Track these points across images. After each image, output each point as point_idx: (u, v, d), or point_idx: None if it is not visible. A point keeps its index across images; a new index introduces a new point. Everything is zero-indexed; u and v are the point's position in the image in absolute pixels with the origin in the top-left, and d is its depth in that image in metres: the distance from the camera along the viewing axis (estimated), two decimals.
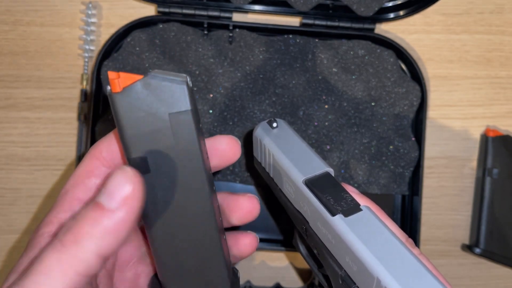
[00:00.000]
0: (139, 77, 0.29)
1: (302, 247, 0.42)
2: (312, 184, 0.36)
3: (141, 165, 0.30)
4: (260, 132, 0.41)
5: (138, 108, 0.29)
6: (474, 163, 0.63)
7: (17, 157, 0.61)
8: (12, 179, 0.61)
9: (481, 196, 0.60)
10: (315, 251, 0.37)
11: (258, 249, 0.61)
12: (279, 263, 0.62)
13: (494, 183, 0.60)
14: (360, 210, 0.33)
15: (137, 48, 0.58)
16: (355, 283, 0.32)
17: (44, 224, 0.32)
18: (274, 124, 0.41)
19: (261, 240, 0.60)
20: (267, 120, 0.41)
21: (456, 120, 0.63)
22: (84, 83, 0.60)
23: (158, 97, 0.29)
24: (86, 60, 0.60)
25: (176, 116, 0.30)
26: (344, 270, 0.33)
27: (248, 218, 0.38)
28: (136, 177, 0.27)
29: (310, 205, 0.35)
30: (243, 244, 0.38)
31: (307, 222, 0.36)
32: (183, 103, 0.30)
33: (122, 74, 0.29)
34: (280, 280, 0.60)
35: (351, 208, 0.33)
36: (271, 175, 0.41)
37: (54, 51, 0.61)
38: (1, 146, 0.61)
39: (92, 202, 0.27)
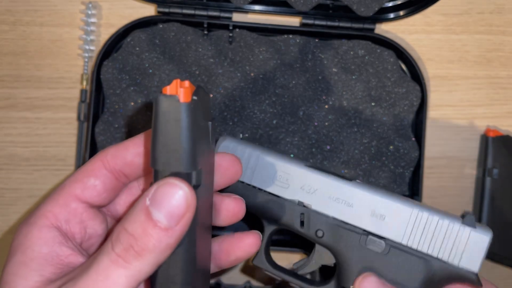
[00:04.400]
0: (194, 87, 0.29)
1: (267, 264, 0.43)
2: (314, 166, 0.40)
3: (197, 178, 0.29)
4: (231, 144, 0.41)
5: (196, 117, 0.29)
6: (474, 163, 0.63)
7: (17, 157, 0.61)
8: (12, 179, 0.61)
9: (481, 196, 0.60)
10: (316, 234, 0.39)
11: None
12: (279, 263, 0.62)
13: (494, 183, 0.60)
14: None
15: (137, 48, 0.58)
16: (382, 237, 0.37)
17: (38, 216, 0.32)
18: (240, 135, 0.42)
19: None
20: (222, 137, 0.42)
21: (456, 120, 0.63)
22: (84, 83, 0.60)
23: (203, 107, 0.30)
24: (86, 60, 0.60)
25: (212, 125, 0.31)
26: (363, 229, 0.37)
27: (233, 220, 0.37)
28: (192, 194, 0.28)
29: (319, 182, 0.38)
30: (247, 243, 0.38)
31: (309, 206, 0.39)
32: (211, 112, 0.31)
33: (188, 83, 0.29)
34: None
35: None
36: (251, 182, 0.41)
37: (54, 51, 0.61)
38: (1, 146, 0.61)
39: (148, 216, 0.28)
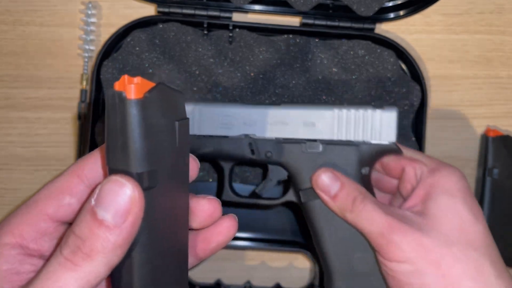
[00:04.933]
0: (152, 84, 0.28)
1: (234, 196, 0.49)
2: (248, 104, 0.49)
3: (150, 179, 0.28)
4: None
5: (152, 116, 0.28)
6: (474, 163, 0.63)
7: (16, 157, 0.61)
8: (12, 179, 0.61)
9: (482, 196, 0.60)
10: (266, 156, 0.46)
11: (258, 249, 0.61)
12: (279, 263, 0.62)
13: (495, 183, 0.60)
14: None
15: (137, 48, 0.57)
16: (318, 139, 0.45)
17: (4, 233, 0.31)
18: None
19: (261, 240, 0.60)
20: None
21: (456, 120, 0.63)
22: (84, 83, 0.60)
23: (167, 105, 0.28)
24: (86, 60, 0.60)
25: (180, 124, 0.29)
26: (301, 139, 0.45)
27: (208, 221, 0.36)
28: (137, 190, 0.27)
29: (257, 114, 0.45)
30: (226, 227, 0.36)
31: (254, 136, 0.46)
32: (184, 111, 0.30)
33: (140, 79, 0.27)
34: (280, 280, 0.60)
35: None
36: (200, 132, 0.46)
37: (54, 51, 0.61)
38: (0, 146, 0.61)
39: (93, 217, 0.27)
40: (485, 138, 0.61)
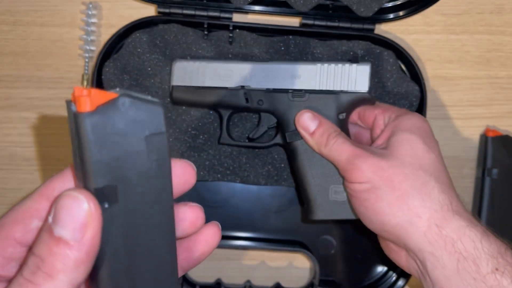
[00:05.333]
0: (113, 95, 0.26)
1: (231, 140, 0.56)
2: (244, 60, 0.56)
3: (109, 194, 0.27)
4: (183, 63, 0.54)
5: (111, 130, 0.26)
6: (473, 163, 0.63)
7: (17, 157, 0.61)
8: (13, 179, 0.61)
9: (481, 196, 0.60)
10: (258, 103, 0.54)
11: (258, 248, 0.61)
12: (279, 263, 0.62)
13: (494, 183, 0.60)
14: None
15: (138, 49, 0.57)
16: (302, 89, 0.53)
17: None
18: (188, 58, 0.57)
19: (261, 240, 0.60)
20: (175, 60, 0.55)
21: (456, 120, 0.63)
22: (85, 83, 0.60)
23: (133, 118, 0.27)
24: (87, 60, 0.60)
25: (152, 139, 0.28)
26: (289, 89, 0.53)
27: (191, 229, 0.34)
28: (91, 200, 0.26)
29: (252, 69, 0.53)
30: (209, 234, 0.35)
31: (249, 87, 0.53)
32: (159, 125, 0.27)
33: (93, 90, 0.26)
34: (280, 280, 0.60)
35: None
36: (204, 84, 0.54)
37: (55, 51, 0.61)
38: (1, 146, 0.61)
39: (51, 235, 0.26)
40: (484, 138, 0.61)
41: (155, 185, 0.28)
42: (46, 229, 0.26)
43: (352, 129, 0.55)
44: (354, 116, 0.54)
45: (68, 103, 0.26)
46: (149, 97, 0.27)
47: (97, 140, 0.26)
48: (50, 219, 0.26)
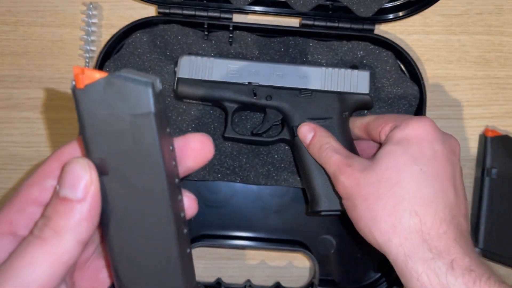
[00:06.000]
0: (104, 74, 0.28)
1: (236, 134, 0.56)
2: (253, 59, 0.58)
3: (99, 166, 0.30)
4: (190, 58, 0.55)
5: (100, 107, 0.29)
6: (473, 163, 0.63)
7: (18, 157, 0.61)
8: (14, 179, 0.61)
9: (480, 196, 0.60)
10: (266, 99, 0.55)
11: (258, 248, 0.61)
12: (279, 262, 0.62)
13: (493, 183, 0.60)
14: None
15: (139, 50, 0.58)
16: (309, 89, 0.55)
17: None
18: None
19: (261, 239, 0.60)
20: (181, 56, 0.55)
21: (455, 120, 0.63)
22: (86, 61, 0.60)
23: (121, 97, 0.29)
24: (87, 60, 0.61)
25: (138, 118, 0.29)
26: (296, 88, 0.55)
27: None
28: (90, 164, 0.29)
29: (261, 67, 0.55)
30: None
31: (257, 83, 0.55)
32: (146, 105, 0.29)
33: (86, 70, 0.28)
34: (280, 279, 0.60)
35: None
36: (212, 79, 0.55)
37: (55, 52, 0.61)
38: (2, 146, 0.61)
39: (57, 197, 0.29)
40: (483, 138, 0.61)
41: (145, 164, 0.30)
42: (54, 193, 0.30)
43: (363, 145, 0.55)
44: (362, 133, 0.54)
45: (72, 81, 0.29)
46: (144, 77, 0.29)
47: (87, 116, 0.29)
48: (57, 186, 0.30)
